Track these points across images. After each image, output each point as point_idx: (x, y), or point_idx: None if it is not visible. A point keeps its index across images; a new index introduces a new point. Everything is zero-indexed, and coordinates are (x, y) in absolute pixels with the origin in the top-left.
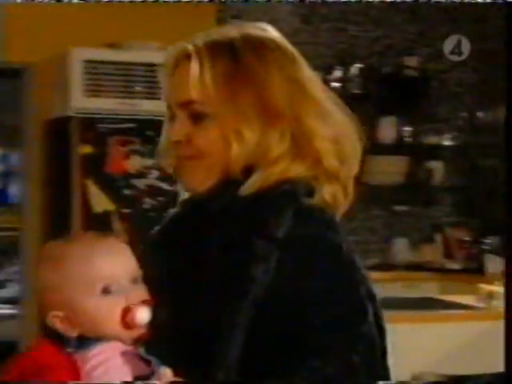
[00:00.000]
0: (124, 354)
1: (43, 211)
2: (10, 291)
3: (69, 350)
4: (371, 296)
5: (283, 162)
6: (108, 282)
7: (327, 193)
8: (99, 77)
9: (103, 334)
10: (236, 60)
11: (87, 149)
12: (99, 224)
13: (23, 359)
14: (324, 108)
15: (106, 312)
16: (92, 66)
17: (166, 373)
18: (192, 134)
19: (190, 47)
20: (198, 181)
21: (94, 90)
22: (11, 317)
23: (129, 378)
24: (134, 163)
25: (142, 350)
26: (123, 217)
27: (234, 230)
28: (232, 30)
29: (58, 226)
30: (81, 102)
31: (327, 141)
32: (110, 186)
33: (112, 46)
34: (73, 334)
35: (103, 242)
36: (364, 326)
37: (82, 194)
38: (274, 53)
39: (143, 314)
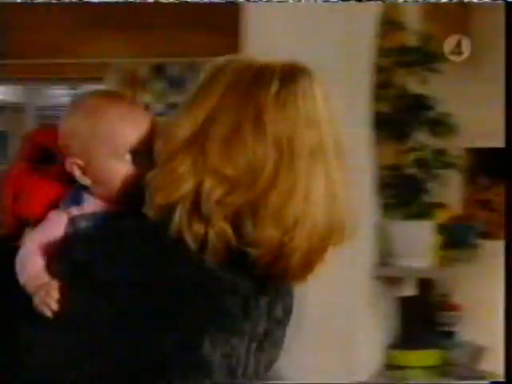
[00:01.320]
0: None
1: None
2: None
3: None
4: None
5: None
6: (130, 148)
7: (188, 231)
8: None
9: (109, 194)
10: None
11: None
12: None
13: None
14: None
15: (120, 176)
16: None
17: None
18: None
19: None
20: None
21: None
22: None
23: None
24: None
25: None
26: None
27: None
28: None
29: None
30: None
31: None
32: None
33: None
34: (86, 182)
35: (133, 108)
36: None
37: None
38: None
39: None
